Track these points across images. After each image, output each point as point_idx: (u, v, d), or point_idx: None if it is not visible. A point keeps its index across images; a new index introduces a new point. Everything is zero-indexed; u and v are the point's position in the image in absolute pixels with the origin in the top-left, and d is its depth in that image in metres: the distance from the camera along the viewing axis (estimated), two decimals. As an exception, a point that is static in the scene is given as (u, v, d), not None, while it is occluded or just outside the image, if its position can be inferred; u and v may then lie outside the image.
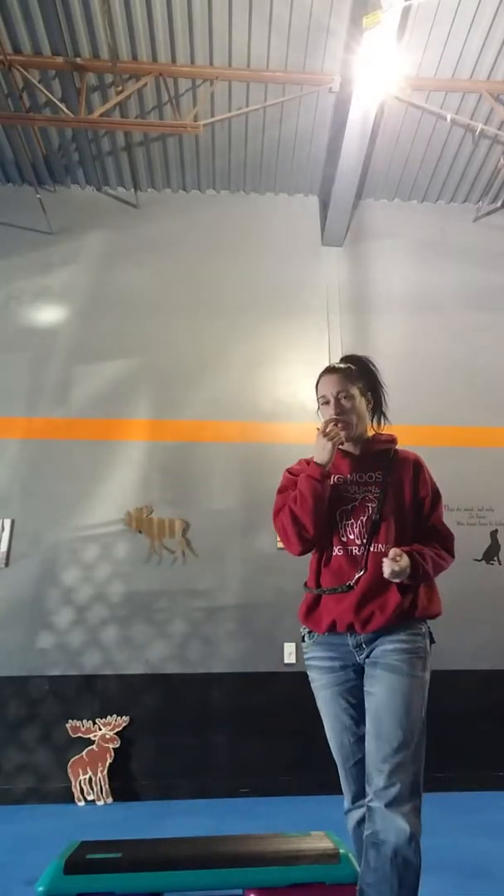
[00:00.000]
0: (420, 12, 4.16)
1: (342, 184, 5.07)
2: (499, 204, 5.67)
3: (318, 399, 2.07)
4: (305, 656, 1.91)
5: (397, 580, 1.75)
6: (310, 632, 1.90)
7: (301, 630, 1.94)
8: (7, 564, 4.57)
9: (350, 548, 1.85)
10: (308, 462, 1.90)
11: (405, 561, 1.74)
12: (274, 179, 5.57)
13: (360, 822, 1.75)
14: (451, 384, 5.22)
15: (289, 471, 2.03)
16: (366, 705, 1.76)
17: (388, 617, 1.78)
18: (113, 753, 4.12)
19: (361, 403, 2.02)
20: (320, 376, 2.05)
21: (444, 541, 1.98)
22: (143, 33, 4.39)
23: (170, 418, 4.98)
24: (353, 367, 2.06)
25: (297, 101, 4.81)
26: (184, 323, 5.23)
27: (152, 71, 4.58)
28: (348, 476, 1.95)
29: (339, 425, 1.92)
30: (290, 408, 5.05)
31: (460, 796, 4.03)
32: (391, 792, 1.61)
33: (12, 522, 4.65)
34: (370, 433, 2.06)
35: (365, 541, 1.84)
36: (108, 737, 4.13)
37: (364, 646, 1.80)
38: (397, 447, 2.06)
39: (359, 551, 1.84)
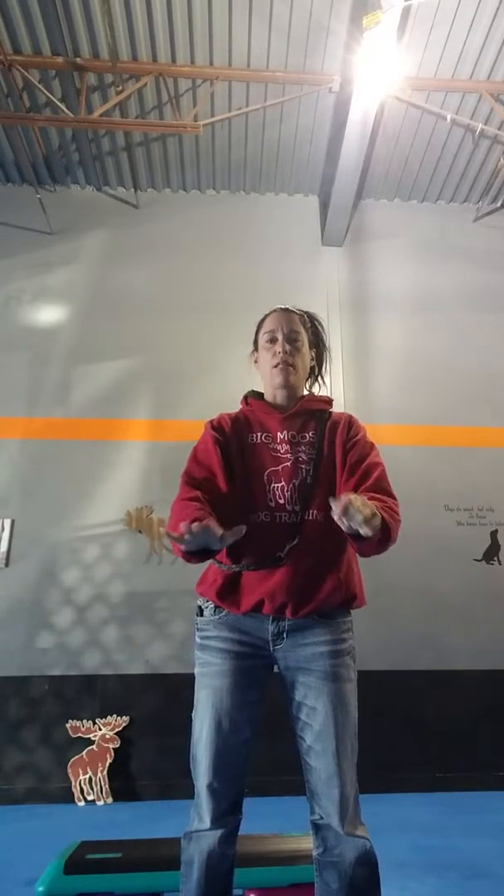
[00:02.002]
0: (420, 12, 4.16)
1: (342, 184, 5.07)
2: (499, 204, 5.67)
3: (258, 337, 1.83)
4: (202, 633, 1.61)
5: (366, 532, 1.30)
6: (215, 607, 1.58)
7: (199, 602, 1.63)
8: (7, 564, 4.56)
9: (279, 514, 1.57)
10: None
11: (373, 512, 1.32)
12: (274, 179, 5.57)
13: (223, 842, 1.50)
14: (451, 384, 5.21)
15: (185, 471, 1.69)
16: (301, 716, 1.54)
17: (326, 599, 1.53)
18: (113, 753, 4.12)
19: (307, 355, 1.80)
20: (267, 314, 1.83)
21: (393, 503, 1.57)
22: (143, 33, 4.39)
23: (170, 418, 4.98)
24: (305, 317, 1.84)
25: (297, 101, 4.81)
26: (184, 323, 5.23)
27: (152, 71, 4.58)
28: (278, 433, 1.69)
29: (283, 366, 1.72)
30: (290, 408, 5.05)
31: (461, 796, 4.03)
32: (347, 812, 1.47)
33: (12, 522, 4.65)
34: (304, 391, 1.83)
35: (297, 507, 1.56)
36: (108, 737, 4.13)
37: (285, 635, 1.54)
38: (332, 410, 1.80)
39: (290, 518, 1.56)
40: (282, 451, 1.65)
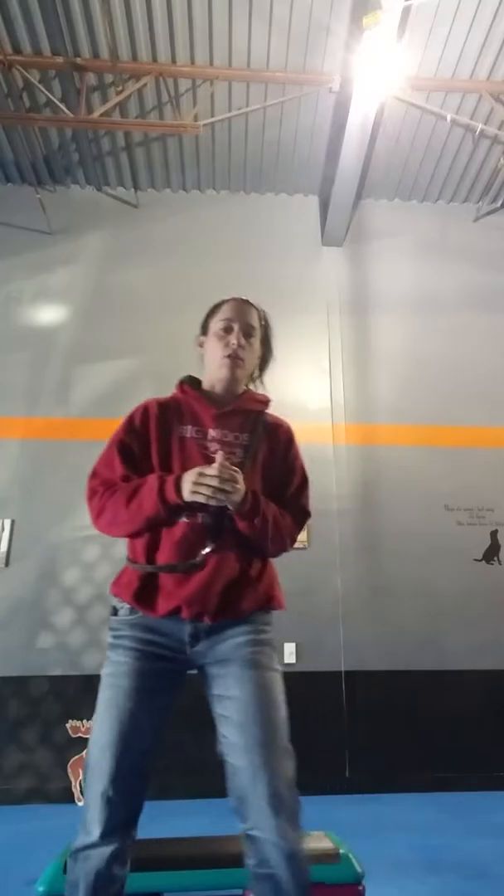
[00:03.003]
0: (420, 12, 4.16)
1: (342, 184, 5.07)
2: (499, 204, 5.67)
3: (209, 322, 1.75)
4: (115, 633, 1.52)
5: (218, 496, 1.39)
6: (131, 609, 1.50)
7: (114, 602, 1.55)
8: (7, 564, 4.56)
9: (200, 516, 1.48)
10: (164, 480, 1.46)
11: (241, 483, 1.42)
12: (274, 179, 5.57)
13: (114, 862, 1.35)
14: (451, 384, 5.21)
15: (121, 438, 1.61)
16: (221, 711, 1.43)
17: (244, 606, 1.48)
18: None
19: (256, 353, 1.73)
20: (225, 301, 1.75)
21: (297, 520, 1.62)
22: (143, 33, 4.39)
23: (170, 418, 4.97)
24: (263, 315, 1.78)
25: (297, 101, 4.81)
26: (184, 323, 5.17)
27: (152, 71, 4.58)
28: (210, 430, 1.60)
29: (233, 360, 1.64)
30: (290, 408, 5.02)
31: (461, 796, 4.03)
32: (281, 817, 1.32)
33: (12, 522, 4.65)
34: (242, 388, 1.74)
35: (219, 510, 1.47)
36: (108, 737, 4.13)
37: (202, 637, 1.46)
38: (269, 412, 1.74)
39: (211, 521, 1.48)
40: (212, 451, 1.55)
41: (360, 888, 2.03)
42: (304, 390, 5.13)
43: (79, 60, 4.49)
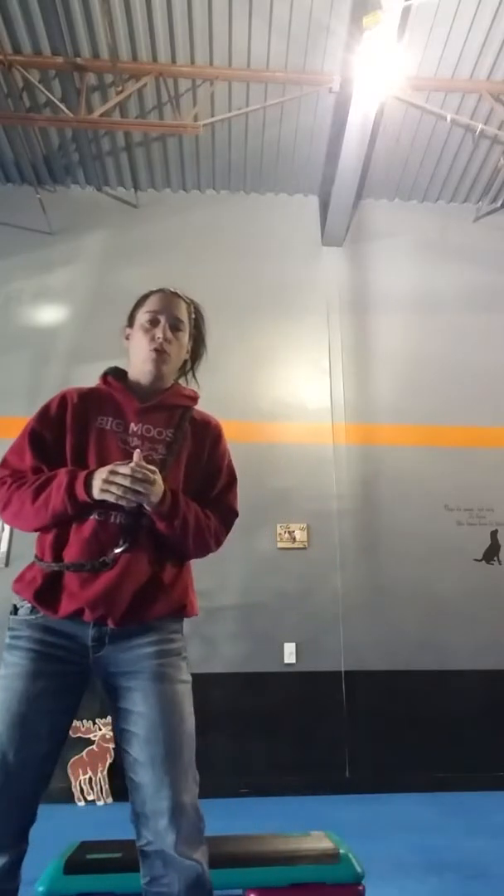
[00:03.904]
0: (420, 12, 4.15)
1: (342, 184, 5.07)
2: (499, 204, 5.67)
3: (135, 314, 1.68)
4: (13, 633, 1.41)
5: (128, 497, 1.34)
6: (32, 608, 1.40)
7: (15, 601, 1.46)
8: (7, 564, 4.56)
9: (114, 513, 1.41)
10: (74, 476, 1.40)
11: (159, 482, 1.38)
12: (274, 179, 5.57)
13: (5, 873, 1.32)
14: (451, 384, 5.21)
15: (31, 429, 1.55)
16: (125, 725, 1.37)
17: (153, 610, 1.41)
18: (113, 753, 4.12)
19: (183, 347, 1.66)
20: (153, 292, 1.68)
21: (224, 520, 1.58)
22: (143, 33, 4.39)
23: (170, 418, 4.97)
24: (191, 306, 1.70)
25: (297, 101, 4.81)
26: (184, 323, 5.22)
27: (152, 71, 4.58)
28: (132, 425, 1.52)
29: (160, 354, 1.58)
30: (290, 408, 5.05)
31: (460, 796, 4.03)
32: (182, 831, 1.27)
33: (12, 522, 4.65)
34: (169, 381, 1.67)
35: (134, 508, 1.40)
36: (108, 737, 4.13)
37: (106, 642, 1.38)
38: (196, 407, 1.68)
39: (125, 520, 1.41)
40: (132, 445, 1.48)
41: (360, 888, 2.04)
42: (304, 390, 5.13)
43: (79, 60, 4.49)
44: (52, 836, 3.16)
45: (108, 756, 4.10)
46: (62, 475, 1.41)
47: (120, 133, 5.07)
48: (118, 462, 1.38)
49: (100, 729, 4.16)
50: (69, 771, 4.08)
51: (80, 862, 2.10)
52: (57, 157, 5.31)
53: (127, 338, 1.72)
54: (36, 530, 1.49)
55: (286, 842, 2.27)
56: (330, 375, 5.19)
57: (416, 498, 4.84)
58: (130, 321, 1.71)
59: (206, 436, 1.62)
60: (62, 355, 5.12)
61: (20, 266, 5.32)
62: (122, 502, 1.36)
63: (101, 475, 1.36)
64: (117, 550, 1.39)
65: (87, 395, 1.60)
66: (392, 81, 4.40)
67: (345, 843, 2.16)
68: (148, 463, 1.41)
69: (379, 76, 4.17)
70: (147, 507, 1.39)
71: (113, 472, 1.35)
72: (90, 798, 4.05)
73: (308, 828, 2.44)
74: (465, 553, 4.80)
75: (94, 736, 4.14)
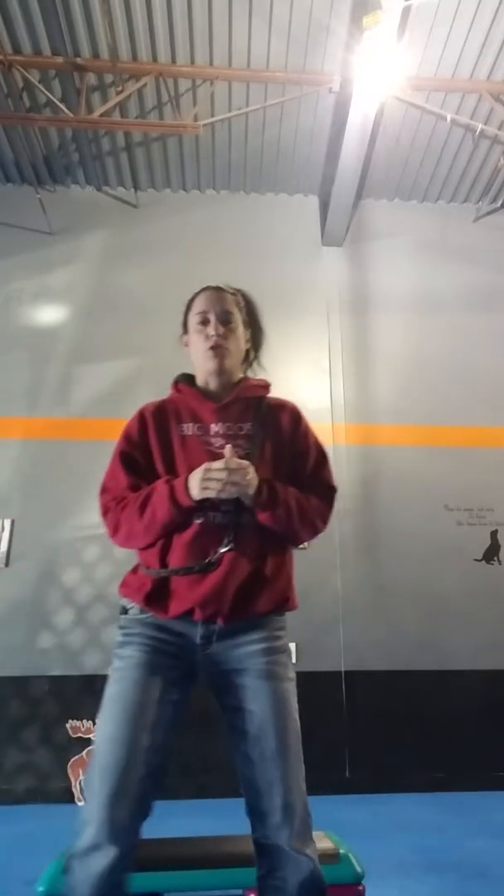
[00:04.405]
0: (420, 12, 4.16)
1: (342, 184, 5.07)
2: (499, 204, 5.67)
3: (187, 318, 1.69)
4: (125, 630, 1.45)
5: (228, 489, 1.36)
6: (141, 609, 1.44)
7: (124, 602, 1.50)
8: (7, 564, 4.56)
9: (212, 514, 1.43)
10: (172, 485, 1.43)
11: (253, 474, 1.39)
12: (274, 179, 5.57)
13: (115, 865, 1.24)
14: (451, 384, 5.21)
15: (121, 453, 1.59)
16: (235, 722, 1.40)
17: (260, 606, 1.42)
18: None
19: (242, 336, 1.67)
20: (197, 293, 1.70)
21: (324, 498, 1.57)
22: (143, 33, 4.39)
23: (170, 418, 4.97)
24: (238, 295, 1.72)
25: (297, 101, 4.81)
26: (184, 323, 5.22)
27: (152, 71, 4.58)
28: (212, 426, 1.54)
29: (217, 350, 1.59)
30: (290, 408, 5.06)
31: (460, 796, 4.03)
32: (295, 828, 1.31)
33: (12, 522, 4.65)
34: (239, 375, 1.69)
35: (232, 507, 1.42)
36: (108, 737, 4.13)
37: (214, 640, 1.41)
38: (270, 395, 1.68)
39: (224, 519, 1.43)
40: (216, 446, 1.49)
41: (360, 888, 2.04)
42: (304, 390, 5.13)
43: (79, 60, 4.49)
44: (52, 836, 3.16)
45: (108, 756, 4.10)
46: (160, 487, 1.44)
47: (120, 133, 5.07)
48: (209, 462, 1.40)
49: (100, 729, 4.16)
50: (69, 771, 4.08)
51: (80, 862, 2.10)
52: (57, 157, 5.31)
53: (185, 345, 1.74)
54: (149, 546, 1.49)
55: (286, 842, 2.26)
56: (330, 375, 5.19)
57: (416, 498, 4.84)
58: (185, 327, 1.72)
59: (286, 419, 1.61)
60: (62, 355, 5.12)
61: (20, 266, 5.32)
62: (223, 495, 1.37)
63: (197, 475, 1.39)
64: (222, 550, 1.40)
65: (162, 408, 1.63)
66: (392, 81, 4.40)
67: (345, 843, 2.16)
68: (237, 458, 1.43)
69: (379, 76, 4.17)
70: (246, 501, 1.40)
71: (208, 470, 1.38)
72: (90, 798, 4.04)
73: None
74: (465, 553, 4.80)
75: (94, 736, 4.14)
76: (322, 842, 2.22)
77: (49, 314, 5.31)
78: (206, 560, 1.40)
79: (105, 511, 1.54)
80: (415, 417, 5.09)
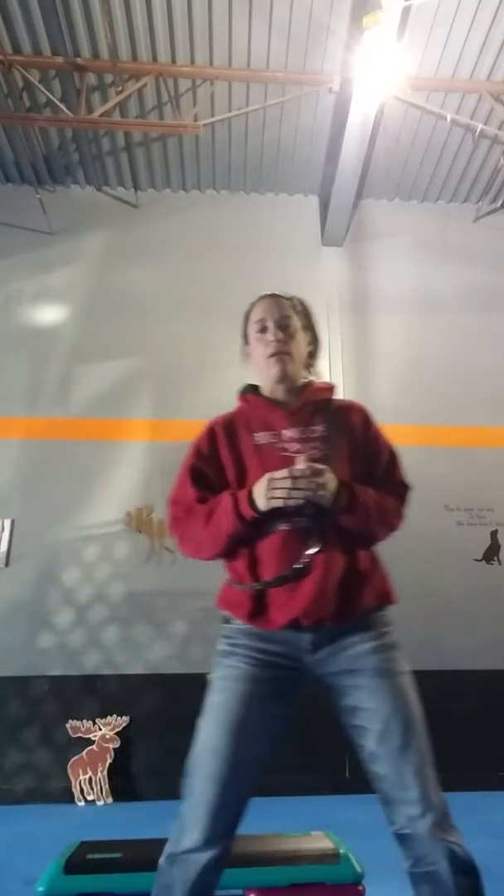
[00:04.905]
0: (420, 12, 4.15)
1: (342, 184, 5.07)
2: (499, 204, 5.67)
3: (247, 329, 1.69)
4: (230, 640, 1.46)
5: (294, 496, 1.36)
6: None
7: (226, 616, 1.50)
8: (7, 564, 4.56)
9: (296, 519, 1.42)
10: (236, 497, 1.44)
11: (330, 477, 1.38)
12: (274, 179, 5.57)
13: (212, 866, 1.31)
14: (451, 384, 5.21)
15: (190, 466, 1.58)
16: (357, 722, 1.40)
17: (365, 603, 1.43)
18: (113, 753, 4.12)
19: (302, 340, 1.66)
20: (254, 303, 1.69)
21: (399, 496, 1.61)
22: (143, 33, 4.39)
23: (170, 418, 4.98)
24: (294, 300, 1.72)
25: (297, 101, 4.81)
26: (184, 322, 5.23)
27: (152, 71, 4.58)
28: (284, 432, 1.54)
29: (279, 356, 1.58)
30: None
31: (460, 796, 3.99)
32: (435, 818, 1.33)
33: (12, 522, 4.65)
34: (302, 380, 1.68)
35: (315, 509, 1.41)
36: (108, 737, 4.13)
37: (324, 644, 1.41)
38: (336, 397, 1.69)
39: (308, 522, 1.42)
40: (291, 451, 1.49)
41: (360, 888, 2.04)
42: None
43: (79, 60, 4.49)
44: (52, 836, 3.17)
45: (107, 756, 4.10)
46: (226, 499, 1.45)
47: (120, 133, 5.07)
48: (273, 472, 1.40)
49: (100, 729, 4.16)
50: (69, 771, 4.08)
51: (80, 862, 2.10)
52: (57, 157, 5.31)
53: (248, 355, 1.74)
54: (217, 557, 1.51)
55: (286, 842, 2.27)
56: (330, 375, 5.17)
57: (416, 498, 4.77)
58: (245, 338, 1.73)
59: (357, 420, 1.62)
60: (62, 355, 5.12)
61: (20, 266, 5.32)
62: (291, 503, 1.37)
63: (261, 486, 1.39)
64: (311, 552, 1.40)
65: (231, 421, 1.63)
66: (392, 81, 4.40)
67: (345, 843, 2.16)
68: (313, 461, 1.42)
69: (379, 76, 4.17)
70: (326, 504, 1.40)
71: (271, 479, 1.37)
72: (90, 798, 4.05)
73: (308, 828, 2.44)
74: (465, 553, 4.80)
75: (94, 736, 4.14)
76: (322, 842, 2.23)
77: (49, 314, 5.31)
78: (297, 566, 1.39)
79: (173, 522, 1.56)
80: (415, 417, 5.09)
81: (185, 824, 1.33)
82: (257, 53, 4.53)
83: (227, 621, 1.49)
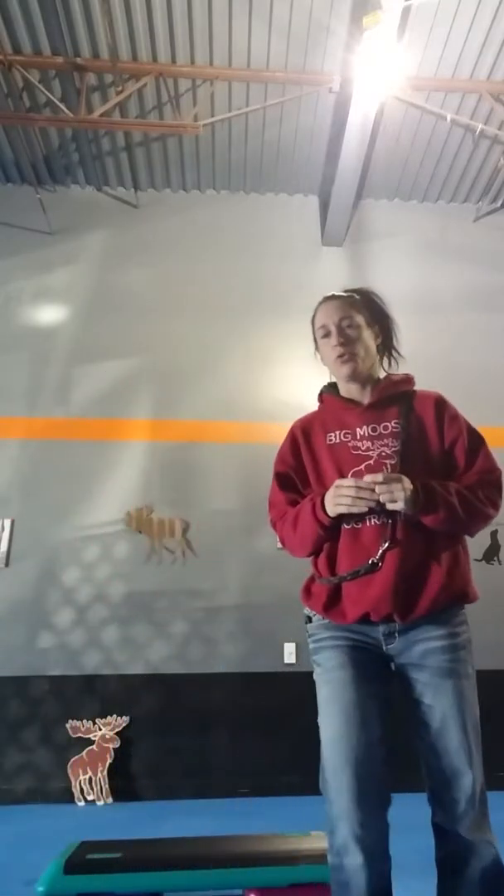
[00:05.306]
0: (420, 12, 4.15)
1: (342, 184, 5.07)
2: (499, 204, 5.67)
3: (315, 334, 1.75)
4: (314, 637, 1.56)
5: (394, 504, 1.39)
6: (323, 617, 1.54)
7: (306, 611, 1.60)
8: (7, 564, 4.56)
9: (368, 517, 1.47)
10: (314, 503, 1.52)
11: (406, 483, 1.40)
12: (274, 179, 5.57)
13: (375, 852, 1.39)
14: (451, 384, 5.12)
15: (278, 474, 1.68)
16: (418, 715, 1.49)
17: (435, 600, 1.45)
18: (113, 753, 4.12)
19: (369, 336, 1.70)
20: (318, 306, 1.75)
21: (488, 482, 1.57)
22: (143, 33, 4.39)
23: (170, 418, 4.98)
24: (356, 296, 1.76)
25: (297, 101, 4.81)
26: (184, 323, 5.23)
27: (152, 71, 4.58)
28: (358, 430, 1.58)
29: (344, 358, 1.63)
30: (290, 408, 5.02)
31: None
32: (476, 819, 1.38)
33: (12, 522, 4.65)
34: (380, 374, 1.74)
35: (383, 507, 1.45)
36: (108, 737, 4.13)
37: (397, 635, 1.47)
38: (415, 388, 1.72)
39: (380, 520, 1.46)
40: (363, 448, 1.55)
41: (360, 888, 2.03)
42: (305, 390, 5.10)
43: (79, 60, 4.49)
44: (52, 836, 3.17)
45: (108, 756, 4.10)
46: (306, 504, 1.53)
47: (120, 133, 5.07)
48: (341, 479, 1.48)
49: (100, 729, 4.16)
50: (69, 771, 4.08)
51: (80, 862, 2.10)
52: (57, 157, 5.31)
53: (322, 360, 1.80)
54: (311, 555, 1.60)
55: (286, 842, 2.27)
56: (330, 375, 5.18)
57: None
58: (315, 343, 1.79)
59: (432, 410, 1.63)
60: (62, 355, 5.12)
61: (20, 266, 5.32)
62: (355, 510, 1.43)
63: (329, 493, 1.47)
64: (382, 549, 1.45)
65: (310, 423, 1.72)
66: (392, 81, 4.40)
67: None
68: (384, 458, 1.51)
69: (379, 76, 4.17)
70: (406, 510, 1.43)
71: (338, 487, 1.45)
72: (90, 798, 4.05)
73: (308, 828, 2.43)
74: (465, 553, 4.80)
75: (94, 736, 4.14)
76: (322, 842, 2.22)
77: (49, 314, 5.31)
78: (370, 561, 1.45)
79: (273, 525, 1.67)
80: (415, 417, 5.09)
81: (334, 818, 1.40)
82: (257, 53, 4.53)
83: (308, 620, 1.59)
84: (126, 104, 4.77)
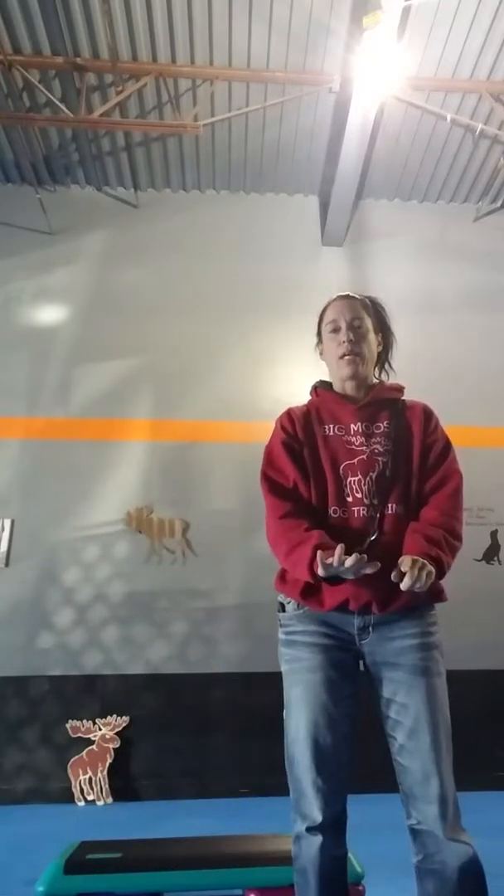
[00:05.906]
0: (420, 12, 4.15)
1: (342, 184, 5.07)
2: (499, 204, 5.67)
3: (321, 327, 1.79)
4: (287, 629, 1.58)
5: (420, 589, 1.41)
6: (298, 604, 1.56)
7: (280, 599, 1.62)
8: (7, 564, 4.56)
9: (357, 508, 1.53)
10: (311, 558, 1.46)
11: (428, 569, 1.41)
12: (274, 179, 5.57)
13: (335, 844, 1.47)
14: (451, 384, 5.21)
15: (266, 476, 1.67)
16: (391, 714, 1.49)
17: (412, 596, 1.46)
18: (113, 753, 4.12)
19: (373, 341, 1.77)
20: (331, 302, 1.79)
21: (449, 491, 1.61)
22: (143, 33, 4.39)
23: (170, 418, 4.98)
24: (368, 301, 1.81)
25: (297, 101, 4.81)
26: (184, 323, 5.23)
27: (152, 71, 4.58)
28: (351, 426, 1.64)
29: (350, 356, 1.67)
30: (290, 408, 5.06)
31: (461, 796, 4.00)
32: (448, 816, 1.41)
33: (12, 522, 4.65)
34: (373, 380, 1.79)
35: (376, 500, 1.52)
36: (108, 737, 4.13)
37: (371, 630, 1.50)
38: (405, 398, 1.78)
39: (368, 512, 1.52)
40: (356, 444, 1.61)
41: (360, 888, 2.04)
42: (305, 390, 5.12)
43: (79, 60, 4.49)
44: (52, 836, 3.17)
45: (107, 756, 4.11)
46: (306, 550, 1.45)
47: (120, 133, 5.07)
48: (327, 553, 1.39)
49: (100, 729, 4.16)
50: (69, 771, 4.09)
51: (80, 862, 2.10)
52: (57, 157, 5.31)
53: (321, 353, 1.85)
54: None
55: (286, 842, 2.25)
56: (328, 374, 5.19)
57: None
58: (319, 337, 1.83)
59: (420, 418, 1.71)
60: (62, 355, 5.12)
61: (20, 266, 5.32)
62: (349, 575, 1.39)
63: (318, 558, 1.39)
64: (369, 540, 1.49)
65: (306, 411, 1.73)
66: (392, 81, 4.39)
67: (345, 843, 2.16)
68: (377, 456, 1.56)
69: (379, 76, 4.16)
70: (423, 593, 1.45)
71: (324, 563, 1.37)
72: (90, 798, 4.05)
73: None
74: (465, 553, 4.77)
75: (95, 736, 4.14)
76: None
77: (49, 314, 5.31)
78: (357, 552, 1.42)
79: (265, 493, 1.64)
80: (415, 417, 5.09)
81: (300, 810, 1.47)
82: (257, 53, 4.52)
83: (282, 609, 1.60)
84: (126, 104, 4.77)
